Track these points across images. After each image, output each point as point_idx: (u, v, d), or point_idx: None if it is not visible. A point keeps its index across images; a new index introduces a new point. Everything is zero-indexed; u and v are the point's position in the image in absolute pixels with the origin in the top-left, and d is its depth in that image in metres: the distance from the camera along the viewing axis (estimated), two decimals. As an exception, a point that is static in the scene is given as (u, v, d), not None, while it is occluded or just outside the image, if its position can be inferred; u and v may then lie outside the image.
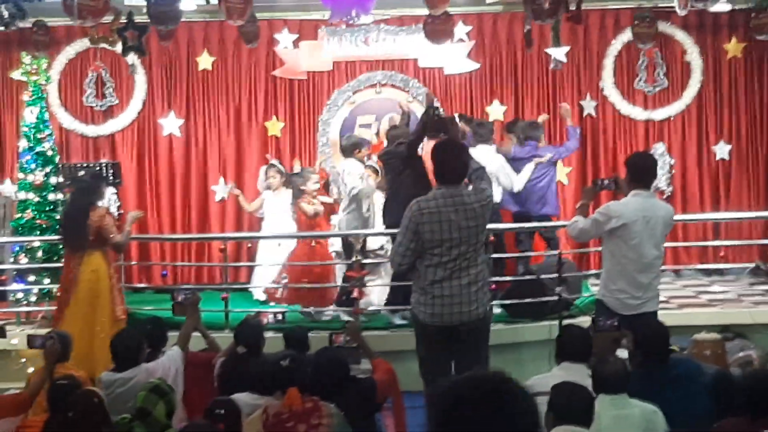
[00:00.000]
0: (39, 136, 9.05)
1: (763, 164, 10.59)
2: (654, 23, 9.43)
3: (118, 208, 9.63)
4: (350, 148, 8.59)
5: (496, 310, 8.00)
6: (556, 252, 8.21)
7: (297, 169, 9.79)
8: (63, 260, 7.75)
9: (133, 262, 9.79)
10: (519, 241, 9.14)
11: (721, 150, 10.51)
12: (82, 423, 4.37)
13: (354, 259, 8.15)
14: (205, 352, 6.07)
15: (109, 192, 9.13)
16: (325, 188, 9.38)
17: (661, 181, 10.16)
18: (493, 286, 7.86)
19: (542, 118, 9.85)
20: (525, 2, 7.90)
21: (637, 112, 10.51)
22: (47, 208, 8.89)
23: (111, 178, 9.40)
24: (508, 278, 8.42)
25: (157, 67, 10.41)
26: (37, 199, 8.90)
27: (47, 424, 4.61)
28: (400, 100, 9.83)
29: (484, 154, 8.53)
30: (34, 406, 5.28)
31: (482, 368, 2.23)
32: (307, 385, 4.64)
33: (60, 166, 9.18)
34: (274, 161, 9.68)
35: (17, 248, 8.88)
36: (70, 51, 10.34)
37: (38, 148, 9.03)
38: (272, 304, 8.60)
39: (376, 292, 8.51)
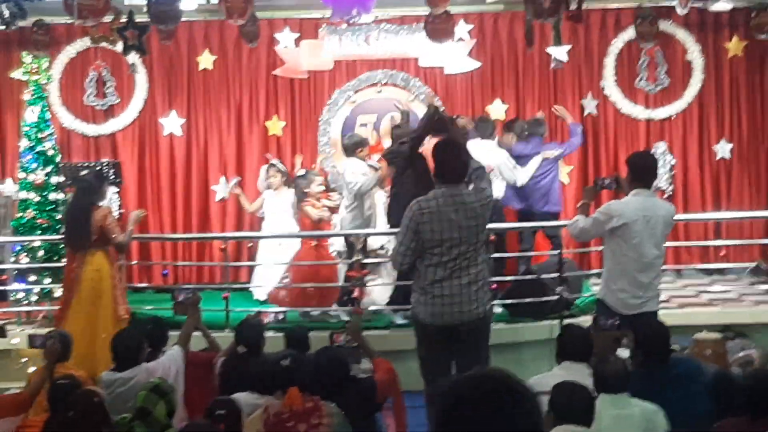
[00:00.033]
0: (40, 135, 9.05)
1: (765, 163, 10.59)
2: (656, 22, 9.42)
3: (119, 207, 9.63)
4: (352, 147, 8.59)
5: (497, 310, 8.02)
6: (557, 252, 8.21)
7: (298, 164, 9.79)
8: (64, 260, 7.75)
9: (133, 262, 9.79)
10: (521, 239, 9.14)
11: (723, 149, 10.50)
12: (82, 423, 4.36)
13: (355, 258, 8.14)
14: (206, 352, 6.07)
15: (110, 191, 9.12)
16: (326, 188, 9.37)
17: (662, 180, 10.16)
18: (494, 285, 7.87)
19: (539, 115, 9.83)
20: (526, 1, 7.89)
21: (638, 111, 10.51)
22: (48, 208, 8.89)
23: (112, 177, 9.40)
24: (508, 278, 8.42)
25: (157, 67, 10.40)
26: (37, 198, 8.90)
27: (47, 423, 4.61)
28: (399, 98, 9.83)
29: (486, 149, 8.57)
30: (34, 406, 5.29)
31: (483, 368, 2.23)
32: (308, 385, 4.65)
33: (61, 165, 9.18)
34: (275, 161, 9.68)
35: (18, 248, 8.87)
36: (70, 50, 10.34)
37: (39, 148, 9.02)
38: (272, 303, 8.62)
39: (379, 292, 8.51)
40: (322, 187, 8.77)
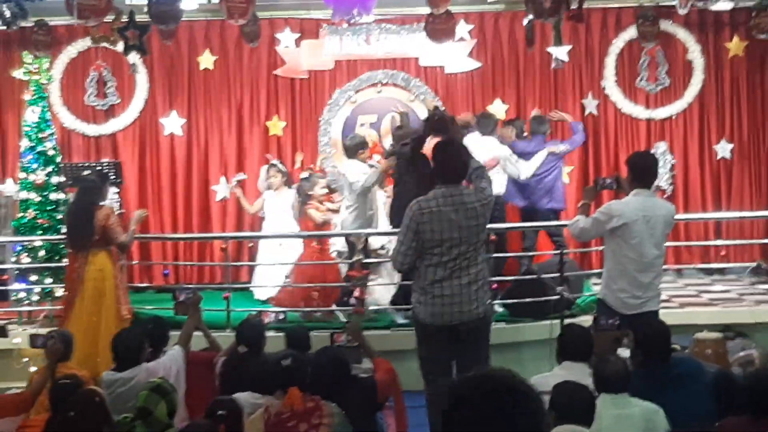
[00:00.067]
0: (40, 135, 9.06)
1: (765, 163, 10.59)
2: (657, 21, 9.42)
3: (120, 207, 9.63)
4: (353, 148, 8.56)
5: (498, 309, 8.02)
6: (557, 252, 8.21)
7: (298, 162, 9.77)
8: (66, 260, 7.76)
9: (134, 262, 9.80)
10: (524, 237, 9.14)
11: (723, 149, 10.50)
12: (83, 422, 4.37)
13: (356, 258, 8.14)
14: (207, 352, 6.07)
15: (111, 191, 9.12)
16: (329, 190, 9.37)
17: (663, 180, 10.16)
18: (494, 285, 7.88)
19: (535, 112, 9.84)
20: (526, 1, 7.89)
21: (639, 111, 10.51)
22: (49, 208, 8.90)
23: (112, 177, 9.41)
24: (508, 278, 8.42)
25: (158, 67, 10.41)
26: (38, 198, 8.91)
27: (48, 423, 4.61)
28: (399, 99, 9.83)
29: (488, 145, 8.58)
30: (35, 406, 5.29)
31: (483, 367, 2.23)
32: (308, 385, 4.65)
33: (61, 165, 9.19)
34: (275, 161, 9.68)
35: (19, 248, 8.88)
36: (71, 50, 10.34)
37: (40, 148, 9.03)
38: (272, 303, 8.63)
39: (382, 291, 8.52)
40: (326, 190, 8.78)
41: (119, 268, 7.44)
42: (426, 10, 8.30)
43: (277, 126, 10.44)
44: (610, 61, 10.49)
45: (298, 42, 10.37)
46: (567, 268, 7.98)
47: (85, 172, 8.61)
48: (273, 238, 9.26)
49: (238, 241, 10.09)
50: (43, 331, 6.69)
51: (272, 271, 8.97)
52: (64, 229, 8.29)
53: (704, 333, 7.18)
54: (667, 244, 6.42)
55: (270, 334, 6.28)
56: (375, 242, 8.72)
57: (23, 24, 8.98)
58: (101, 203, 7.42)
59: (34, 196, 8.91)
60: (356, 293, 7.96)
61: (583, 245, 9.10)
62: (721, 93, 10.55)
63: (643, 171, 5.99)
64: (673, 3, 8.94)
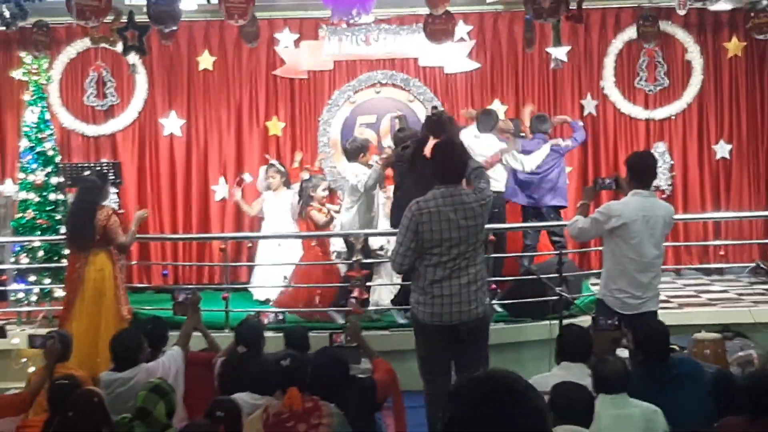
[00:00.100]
0: (40, 135, 9.06)
1: (764, 163, 10.60)
2: (656, 22, 9.43)
3: (119, 207, 9.62)
4: (354, 152, 8.53)
5: (497, 309, 8.02)
6: (557, 253, 8.20)
7: (298, 161, 9.77)
8: (66, 260, 7.76)
9: (133, 262, 9.79)
10: (525, 235, 9.13)
11: (722, 149, 10.51)
12: (82, 423, 4.36)
13: (355, 258, 8.14)
14: (206, 352, 6.07)
15: (111, 192, 9.12)
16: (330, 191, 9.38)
17: (662, 180, 10.16)
18: (493, 286, 7.88)
19: (528, 109, 9.82)
20: (526, 1, 7.89)
21: (638, 111, 10.51)
22: (48, 208, 8.90)
23: (112, 177, 9.40)
24: (508, 278, 8.42)
25: (157, 67, 10.41)
26: (37, 199, 8.90)
27: (47, 423, 4.61)
28: (398, 100, 9.83)
29: (489, 142, 8.59)
30: (34, 406, 5.29)
31: (482, 367, 2.23)
32: (308, 385, 4.64)
33: (61, 165, 9.18)
34: (274, 161, 9.68)
35: (18, 248, 8.87)
36: (70, 51, 10.34)
37: (39, 148, 9.03)
38: (272, 304, 8.62)
39: (383, 292, 8.52)
40: (327, 192, 8.78)
41: (119, 269, 7.44)
42: (425, 11, 8.30)
43: (276, 126, 10.44)
44: (609, 62, 10.49)
45: (297, 42, 10.37)
46: (566, 268, 7.99)
47: (85, 173, 8.62)
48: (272, 239, 9.25)
49: (237, 242, 10.09)
50: (42, 331, 6.71)
51: (271, 271, 8.96)
52: (63, 230, 8.30)
53: (703, 333, 7.19)
54: (666, 244, 6.43)
55: (269, 334, 6.27)
56: (374, 243, 8.72)
57: (23, 24, 8.97)
58: (102, 203, 7.42)
59: (33, 197, 8.91)
60: (355, 293, 7.96)
61: (582, 245, 9.10)
62: (720, 93, 10.55)
63: (642, 171, 5.99)
64: (672, 4, 8.95)
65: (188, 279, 10.28)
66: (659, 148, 10.30)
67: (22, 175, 9.08)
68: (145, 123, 10.47)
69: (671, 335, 5.07)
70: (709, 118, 10.55)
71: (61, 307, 7.51)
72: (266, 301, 8.92)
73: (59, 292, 8.32)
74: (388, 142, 9.64)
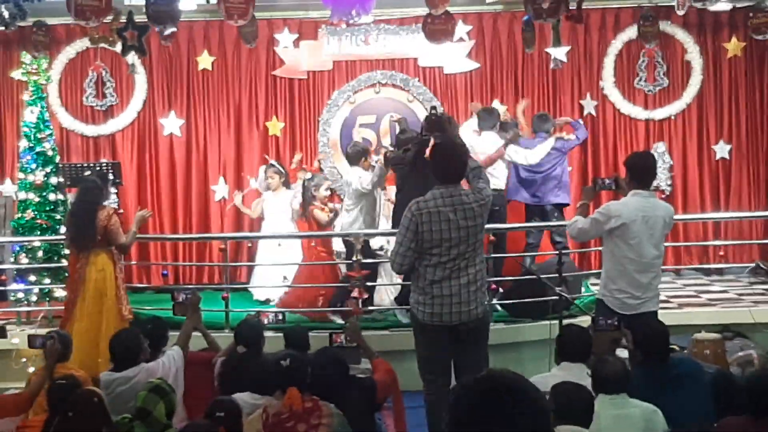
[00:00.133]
0: (39, 135, 9.05)
1: (764, 163, 10.60)
2: (656, 22, 9.43)
3: (118, 207, 9.62)
4: (355, 157, 8.52)
5: (498, 309, 8.02)
6: (557, 252, 8.20)
7: (297, 161, 9.77)
8: (66, 260, 7.75)
9: (133, 262, 9.79)
10: (528, 233, 9.11)
11: (722, 149, 10.51)
12: (82, 423, 4.37)
13: (354, 259, 8.14)
14: (205, 352, 6.07)
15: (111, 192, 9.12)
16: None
17: (661, 180, 10.16)
18: (493, 286, 7.88)
19: (522, 105, 9.81)
20: (525, 2, 7.90)
21: (638, 112, 10.52)
22: (47, 208, 8.89)
23: (111, 178, 9.39)
24: (508, 278, 8.42)
25: (157, 67, 10.41)
26: (37, 199, 8.90)
27: (47, 423, 4.61)
28: (398, 100, 9.83)
29: (490, 140, 8.58)
30: (34, 406, 5.29)
31: (482, 367, 2.23)
32: (307, 385, 4.65)
33: (60, 166, 9.18)
34: (273, 161, 9.68)
35: (18, 248, 8.87)
36: (70, 51, 10.35)
37: (38, 148, 9.03)
38: (272, 304, 8.62)
39: (384, 292, 8.52)
40: (329, 192, 8.78)
41: (120, 269, 7.44)
42: (425, 11, 8.30)
43: (275, 126, 10.44)
44: (609, 62, 10.50)
45: (296, 42, 10.37)
46: (565, 268, 7.98)
47: (86, 173, 8.62)
48: (272, 239, 9.25)
49: (237, 242, 10.09)
50: (42, 331, 6.70)
51: (271, 271, 8.96)
52: (63, 230, 8.29)
53: (703, 333, 7.19)
54: (666, 244, 6.43)
55: (269, 334, 6.26)
56: (374, 243, 8.72)
57: (22, 24, 8.98)
58: (103, 204, 7.41)
59: (32, 197, 8.90)
60: (354, 293, 7.96)
61: (582, 245, 9.10)
62: (720, 93, 10.55)
63: (642, 171, 5.99)
64: (672, 3, 8.95)
65: (188, 279, 10.28)
66: (659, 149, 10.31)
67: (21, 175, 9.07)
68: (145, 123, 10.47)
69: (671, 335, 5.08)
70: (709, 118, 10.55)
71: (61, 307, 7.51)
72: (266, 301, 8.92)
73: (59, 292, 8.32)
74: (387, 142, 9.66)
